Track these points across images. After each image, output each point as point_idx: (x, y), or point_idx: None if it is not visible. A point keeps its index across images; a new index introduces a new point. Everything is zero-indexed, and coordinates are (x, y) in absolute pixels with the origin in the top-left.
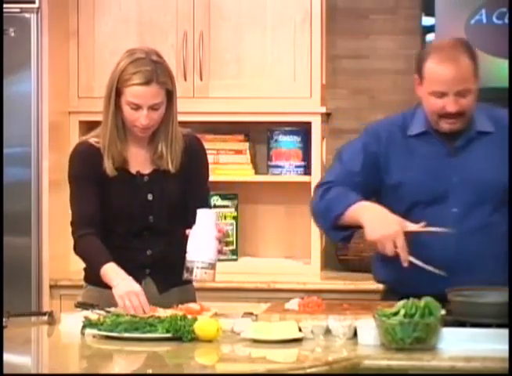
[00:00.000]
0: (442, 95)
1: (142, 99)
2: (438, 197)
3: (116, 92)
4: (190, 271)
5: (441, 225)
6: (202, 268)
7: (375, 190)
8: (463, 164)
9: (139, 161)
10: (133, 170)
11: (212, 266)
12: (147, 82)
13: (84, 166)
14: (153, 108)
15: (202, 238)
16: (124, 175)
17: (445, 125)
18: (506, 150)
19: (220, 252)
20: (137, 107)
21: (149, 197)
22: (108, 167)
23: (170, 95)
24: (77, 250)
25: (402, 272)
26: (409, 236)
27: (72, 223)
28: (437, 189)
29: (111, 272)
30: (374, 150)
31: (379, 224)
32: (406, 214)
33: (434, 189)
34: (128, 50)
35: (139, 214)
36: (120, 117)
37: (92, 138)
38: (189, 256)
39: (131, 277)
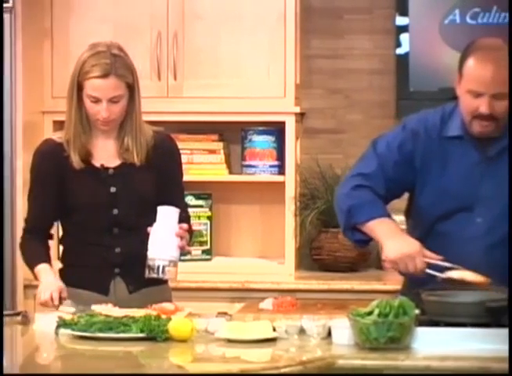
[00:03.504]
0: (478, 95)
1: (101, 91)
2: (466, 205)
3: (78, 85)
4: (151, 269)
5: (463, 234)
6: (163, 266)
7: (406, 188)
8: (494, 174)
9: (107, 155)
10: (97, 163)
11: (174, 264)
12: (105, 75)
13: (44, 165)
14: (112, 101)
15: (163, 235)
16: (88, 169)
17: (477, 128)
18: None
19: (182, 249)
20: (96, 100)
21: (112, 189)
22: (75, 160)
23: (131, 89)
24: (20, 246)
25: None
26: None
27: (25, 220)
28: (465, 198)
29: (42, 271)
30: (410, 149)
31: (398, 243)
32: (434, 220)
33: (463, 198)
34: (91, 44)
35: (103, 206)
36: (85, 111)
37: (57, 134)
38: (149, 254)
39: (58, 276)
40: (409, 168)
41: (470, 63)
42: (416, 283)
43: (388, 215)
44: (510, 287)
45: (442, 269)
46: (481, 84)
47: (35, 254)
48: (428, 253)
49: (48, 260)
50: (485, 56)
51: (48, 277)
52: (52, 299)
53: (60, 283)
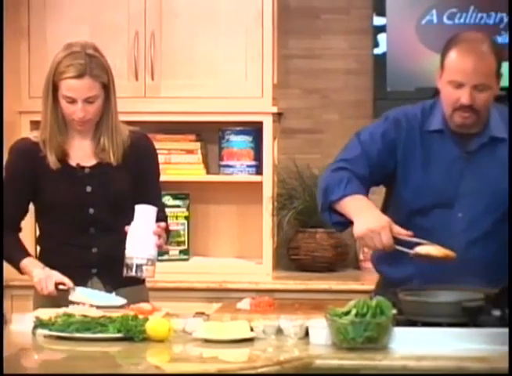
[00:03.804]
0: (459, 86)
1: (76, 92)
2: (446, 200)
3: (53, 85)
4: (130, 267)
5: (444, 229)
6: (141, 264)
7: (386, 176)
8: (474, 170)
9: (83, 154)
10: (73, 162)
11: (152, 262)
12: (80, 75)
13: (19, 162)
14: (88, 101)
15: (141, 234)
16: (64, 168)
17: (458, 119)
18: None
19: (160, 248)
20: (72, 100)
21: (88, 189)
22: (51, 160)
23: (106, 89)
24: None
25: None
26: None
27: None
28: (445, 193)
29: (30, 264)
30: (393, 137)
31: (366, 218)
32: (413, 214)
33: (443, 193)
34: (66, 44)
35: (79, 206)
36: (60, 111)
37: (34, 133)
38: (127, 252)
39: (48, 268)
40: (391, 157)
41: (452, 54)
42: (391, 283)
43: (363, 193)
44: (510, 287)
45: (412, 245)
46: (462, 74)
47: (15, 249)
48: (397, 228)
49: (29, 253)
50: (467, 48)
51: (39, 269)
52: (56, 288)
53: (55, 272)
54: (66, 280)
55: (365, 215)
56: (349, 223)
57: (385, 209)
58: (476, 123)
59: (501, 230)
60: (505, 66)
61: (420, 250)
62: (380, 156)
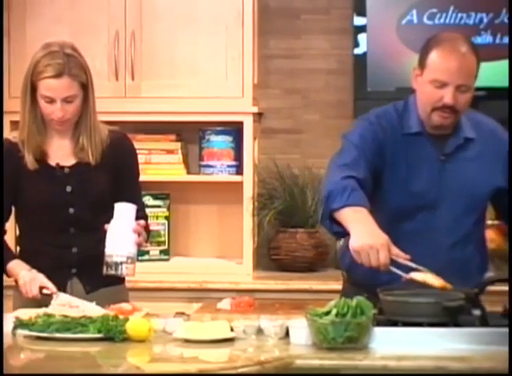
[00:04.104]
0: (443, 85)
1: (55, 91)
2: (429, 203)
3: (31, 85)
4: (109, 266)
5: (428, 231)
6: (121, 262)
7: (376, 179)
8: (452, 172)
9: (62, 154)
10: (52, 162)
11: (132, 260)
12: (58, 75)
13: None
14: (66, 101)
15: (120, 232)
16: (43, 168)
17: (437, 119)
18: (490, 158)
19: (139, 246)
20: (51, 100)
21: (68, 188)
22: (29, 160)
23: (85, 88)
24: None
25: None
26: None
27: None
28: (429, 196)
29: (16, 266)
30: (382, 140)
31: (365, 233)
32: (398, 217)
33: (426, 196)
34: (45, 44)
35: (59, 206)
36: (39, 111)
37: (13, 134)
38: (107, 250)
39: (35, 270)
40: (380, 160)
41: (436, 53)
42: (356, 285)
43: (365, 205)
44: (510, 286)
45: (407, 269)
46: (446, 73)
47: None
48: (395, 250)
49: (15, 256)
50: (452, 47)
51: (25, 272)
52: (40, 292)
53: (40, 275)
54: (50, 284)
55: (364, 229)
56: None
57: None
58: (452, 124)
59: (478, 230)
60: (490, 66)
61: (416, 276)
62: (373, 158)
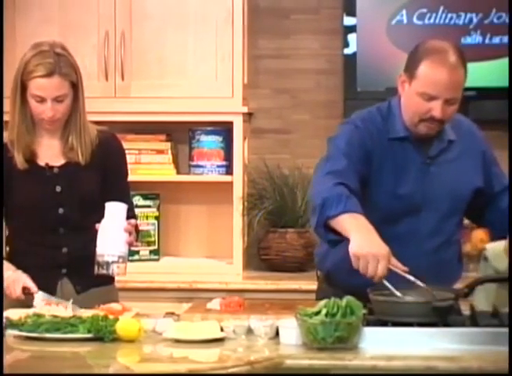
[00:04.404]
0: (431, 98)
1: (46, 91)
2: (414, 206)
3: (21, 85)
4: (101, 265)
5: (414, 234)
6: (112, 262)
7: (363, 184)
8: (437, 174)
9: (51, 154)
10: (42, 162)
11: (123, 259)
12: (49, 74)
13: None
14: (57, 100)
15: (111, 231)
16: (32, 168)
17: (424, 129)
18: (470, 158)
19: (130, 245)
20: (41, 100)
21: (58, 188)
22: (18, 160)
23: (75, 88)
24: None
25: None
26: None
27: None
28: (414, 199)
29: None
30: (369, 146)
31: (368, 240)
32: (384, 221)
33: (412, 199)
34: (34, 43)
35: (48, 206)
36: (29, 111)
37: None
38: (98, 250)
39: (20, 270)
40: (366, 167)
41: (426, 65)
42: (333, 286)
43: (362, 212)
44: (510, 286)
45: (400, 279)
46: (437, 88)
47: None
48: (394, 261)
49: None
50: (442, 60)
51: (10, 272)
52: (24, 292)
53: (24, 275)
54: (31, 284)
55: (366, 237)
56: (343, 240)
57: None
58: (438, 131)
59: (458, 231)
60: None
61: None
62: (361, 167)
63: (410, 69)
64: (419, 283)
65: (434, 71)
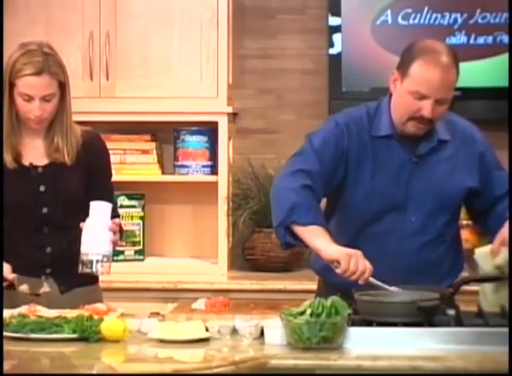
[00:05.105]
0: (422, 97)
1: (34, 89)
2: (397, 205)
3: (9, 84)
4: (85, 264)
5: (397, 233)
6: (97, 260)
7: (334, 187)
8: (425, 173)
9: (35, 154)
10: (26, 162)
11: (108, 258)
12: (38, 72)
13: None
14: (45, 99)
15: (96, 230)
16: (17, 168)
17: (412, 128)
18: (463, 159)
19: (115, 244)
20: (29, 98)
21: (42, 188)
22: (8, 160)
23: (62, 87)
24: None
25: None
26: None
27: None
28: (396, 197)
29: None
30: (345, 146)
31: (337, 247)
32: (365, 221)
33: (393, 197)
34: (21, 43)
35: (32, 205)
36: (14, 110)
37: None
38: (83, 249)
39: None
40: (341, 166)
41: (419, 64)
42: (333, 286)
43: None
44: (510, 286)
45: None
46: (428, 87)
47: None
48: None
49: None
50: (435, 60)
51: None
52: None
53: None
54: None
55: (337, 246)
56: (295, 246)
57: (328, 219)
58: (426, 131)
59: (450, 231)
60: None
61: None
62: (332, 164)
63: (403, 67)
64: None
65: (426, 71)
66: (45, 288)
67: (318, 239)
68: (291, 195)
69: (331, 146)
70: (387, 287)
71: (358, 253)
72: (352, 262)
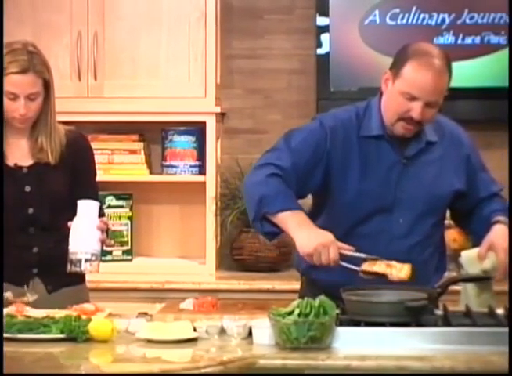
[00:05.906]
0: (413, 99)
1: (19, 87)
2: (385, 206)
3: None
4: (74, 263)
5: (385, 235)
6: (85, 259)
7: (310, 190)
8: (412, 174)
9: (20, 154)
10: (11, 163)
11: (96, 257)
12: (24, 71)
13: None
14: (30, 98)
15: (84, 229)
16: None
17: (401, 130)
18: (451, 161)
19: (103, 243)
20: (15, 97)
21: (27, 188)
22: None
23: (47, 86)
24: None
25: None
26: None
27: None
28: (384, 199)
29: None
30: (327, 149)
31: (311, 234)
32: (354, 222)
33: (382, 198)
34: (6, 42)
35: (18, 206)
36: None
37: None
38: (71, 248)
39: None
40: (317, 169)
41: (412, 66)
42: (317, 286)
43: (300, 208)
44: (510, 287)
45: (359, 262)
46: (419, 89)
47: None
48: (341, 244)
49: None
50: (429, 63)
51: None
52: None
53: None
54: None
55: (308, 232)
56: (280, 233)
57: (315, 220)
58: (415, 133)
59: (437, 232)
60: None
61: (367, 268)
62: (307, 167)
63: (396, 67)
64: (369, 257)
65: (419, 73)
66: (28, 298)
67: (291, 228)
68: (258, 188)
69: (310, 147)
70: (357, 268)
71: (328, 241)
72: (323, 254)
